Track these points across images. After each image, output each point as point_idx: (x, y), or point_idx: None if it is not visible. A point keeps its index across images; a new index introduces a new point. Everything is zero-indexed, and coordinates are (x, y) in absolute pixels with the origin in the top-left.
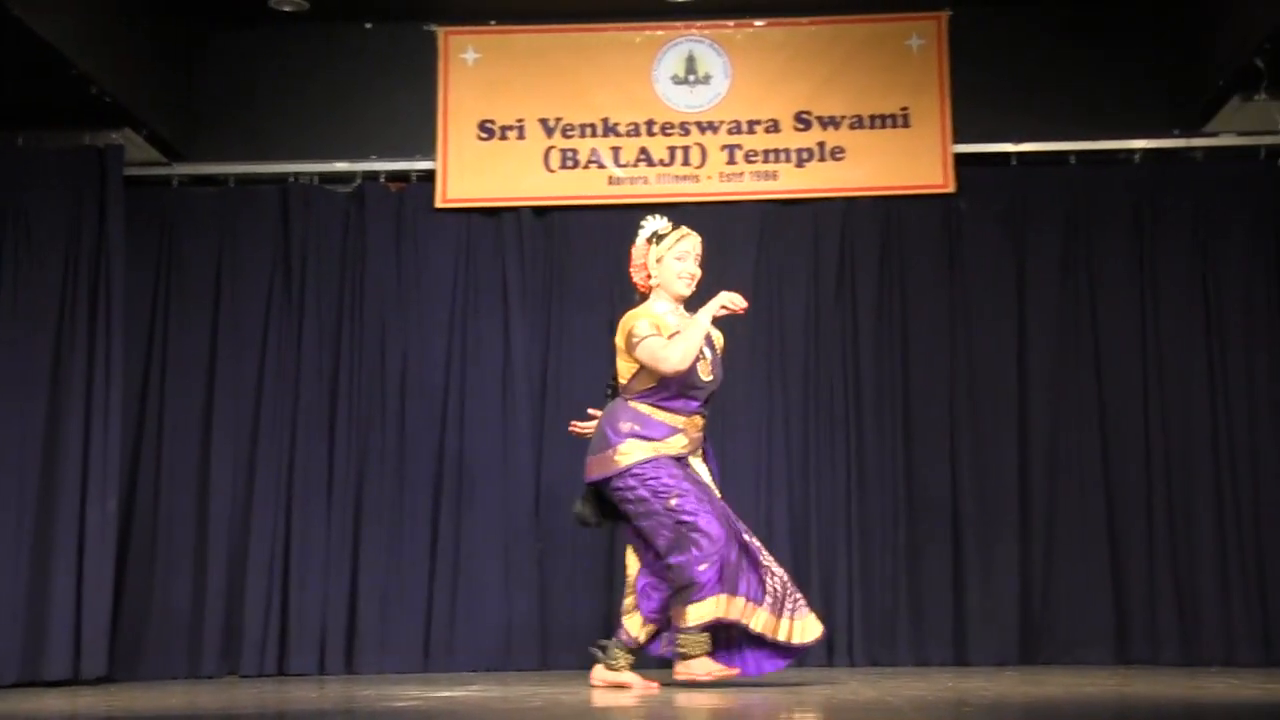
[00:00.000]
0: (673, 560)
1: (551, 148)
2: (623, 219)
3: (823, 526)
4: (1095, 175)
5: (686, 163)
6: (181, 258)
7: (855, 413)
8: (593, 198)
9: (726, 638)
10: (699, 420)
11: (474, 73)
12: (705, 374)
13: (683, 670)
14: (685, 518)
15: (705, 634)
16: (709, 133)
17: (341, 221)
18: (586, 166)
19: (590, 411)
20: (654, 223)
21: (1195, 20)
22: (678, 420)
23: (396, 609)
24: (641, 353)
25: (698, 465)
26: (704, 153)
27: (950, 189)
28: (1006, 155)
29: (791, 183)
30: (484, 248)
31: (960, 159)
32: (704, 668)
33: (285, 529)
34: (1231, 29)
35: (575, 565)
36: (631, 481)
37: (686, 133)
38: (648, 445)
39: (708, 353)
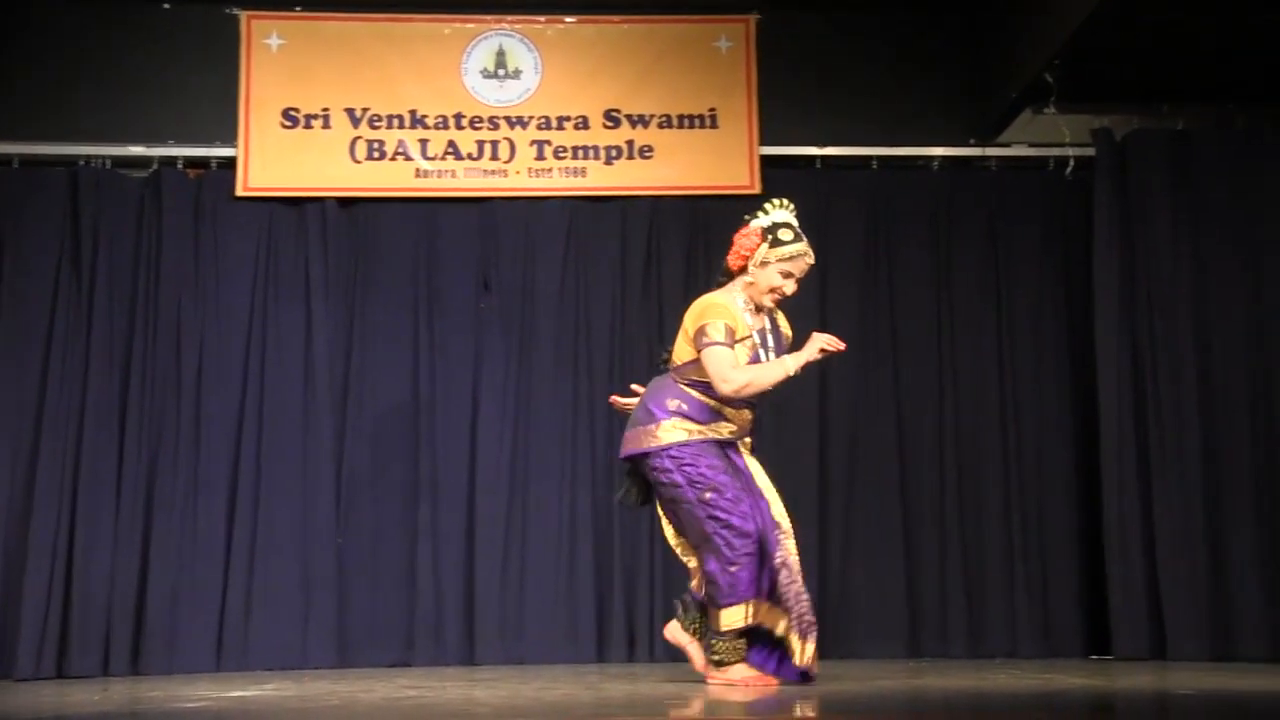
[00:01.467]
0: (706, 566)
1: (358, 138)
2: (429, 212)
3: (626, 524)
4: (896, 180)
5: (495, 157)
6: None
7: None
8: (399, 190)
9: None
10: (747, 414)
11: (278, 59)
12: None
13: (718, 677)
14: (719, 514)
15: (741, 639)
16: (518, 128)
17: (136, 207)
18: (393, 158)
19: (633, 387)
20: (779, 214)
21: (992, 34)
22: (726, 409)
23: (188, 606)
24: (708, 358)
25: (747, 455)
26: (513, 148)
27: (756, 190)
28: (811, 158)
29: (600, 180)
30: (286, 238)
31: (766, 160)
32: (740, 674)
33: (69, 524)
34: (1024, 44)
35: (377, 561)
36: (668, 464)
37: (495, 127)
38: (692, 426)
39: (768, 356)
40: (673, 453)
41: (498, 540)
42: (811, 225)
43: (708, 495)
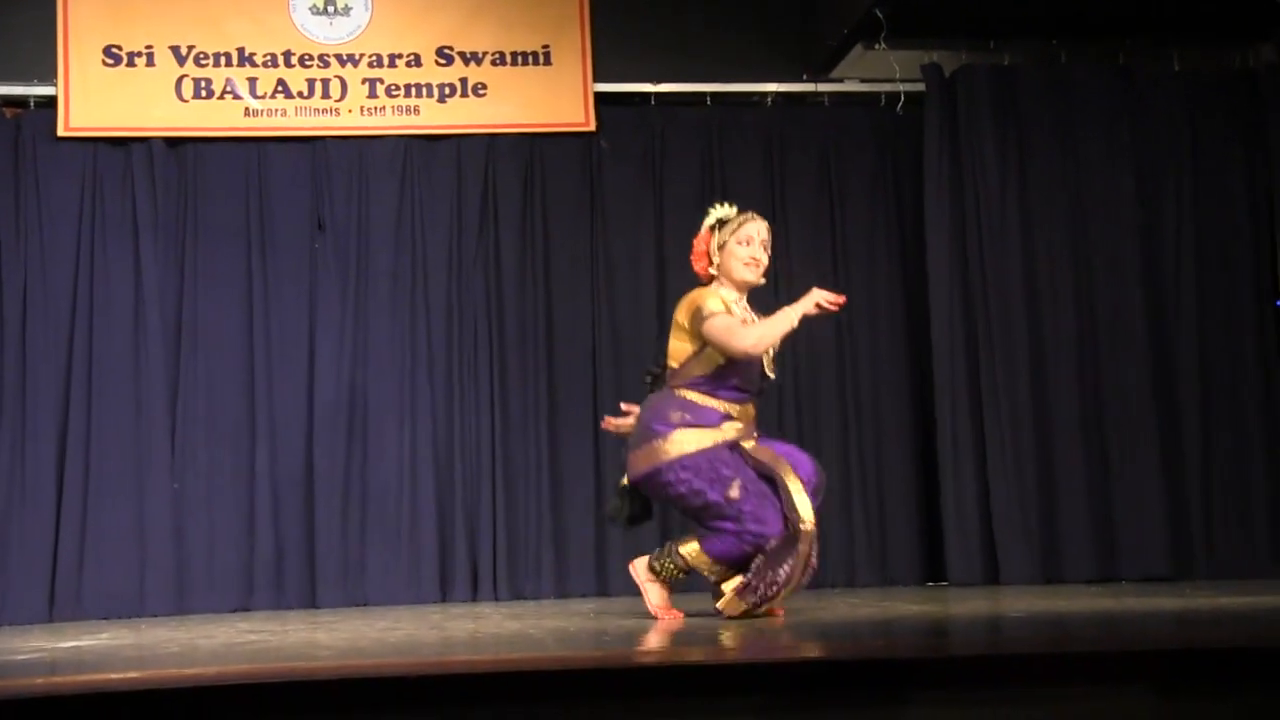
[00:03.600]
0: (708, 544)
1: (184, 76)
2: (260, 151)
3: (467, 463)
4: (730, 116)
5: (326, 95)
6: None
7: (499, 349)
8: (228, 129)
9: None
10: (751, 409)
11: None
12: (769, 368)
13: (635, 573)
14: (740, 514)
15: (688, 574)
16: (349, 65)
17: None
18: (221, 97)
19: (624, 406)
20: (718, 211)
21: None
22: (732, 408)
23: (18, 556)
24: (712, 328)
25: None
26: (344, 86)
27: (591, 127)
28: (646, 95)
29: (434, 118)
30: (112, 179)
31: (601, 97)
32: (657, 598)
33: None
34: None
35: (213, 505)
36: (684, 474)
37: (326, 65)
38: (703, 433)
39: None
40: (685, 463)
41: (337, 481)
42: (647, 163)
43: (734, 492)
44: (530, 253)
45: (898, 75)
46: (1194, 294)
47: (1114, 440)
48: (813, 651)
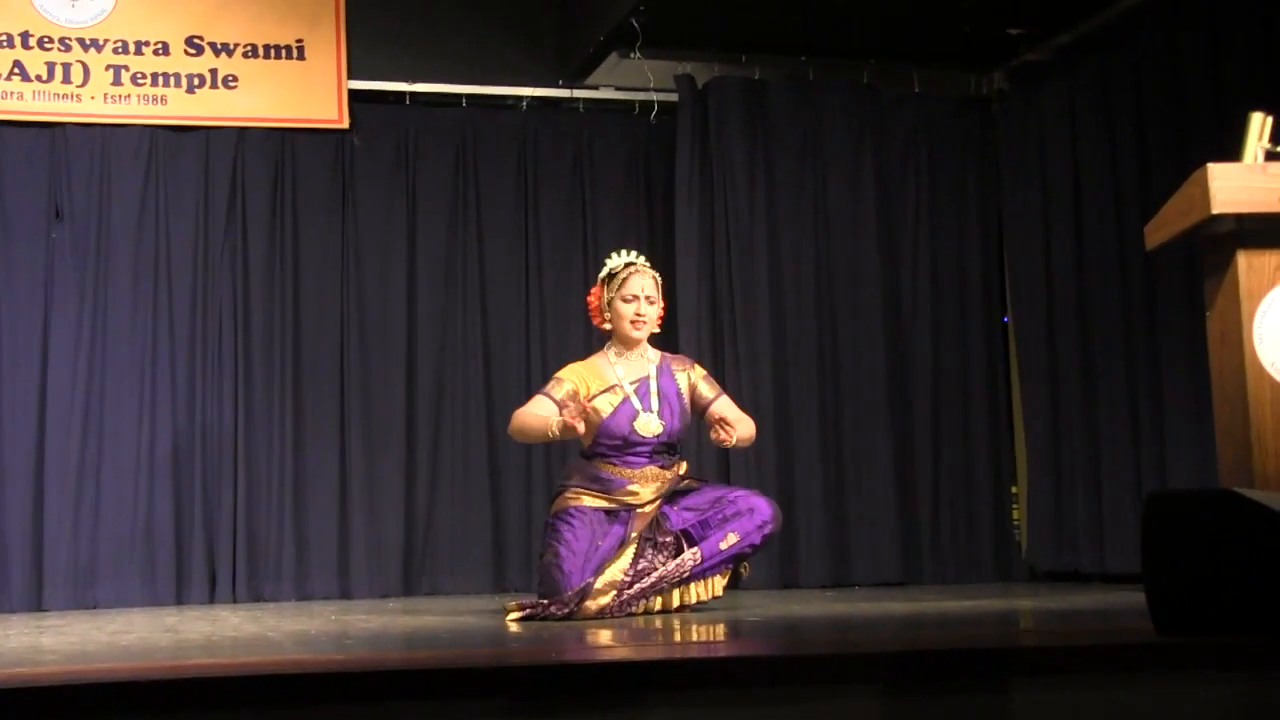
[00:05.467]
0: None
1: None
2: None
3: (208, 462)
4: (485, 119)
5: (67, 80)
6: None
7: (244, 346)
8: None
9: None
10: (658, 471)
11: None
12: (646, 430)
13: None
14: (555, 559)
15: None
16: (92, 50)
17: None
18: None
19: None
20: (612, 261)
21: None
22: (633, 474)
23: None
24: None
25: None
26: (86, 71)
27: (344, 124)
28: (400, 94)
29: (181, 109)
30: None
31: (355, 95)
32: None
33: None
34: None
35: None
36: (556, 524)
37: (67, 49)
38: (596, 497)
39: (645, 403)
40: (560, 519)
41: (69, 478)
42: (399, 161)
43: (548, 557)
44: (279, 249)
45: (652, 84)
46: (929, 307)
47: (850, 449)
48: (553, 655)
